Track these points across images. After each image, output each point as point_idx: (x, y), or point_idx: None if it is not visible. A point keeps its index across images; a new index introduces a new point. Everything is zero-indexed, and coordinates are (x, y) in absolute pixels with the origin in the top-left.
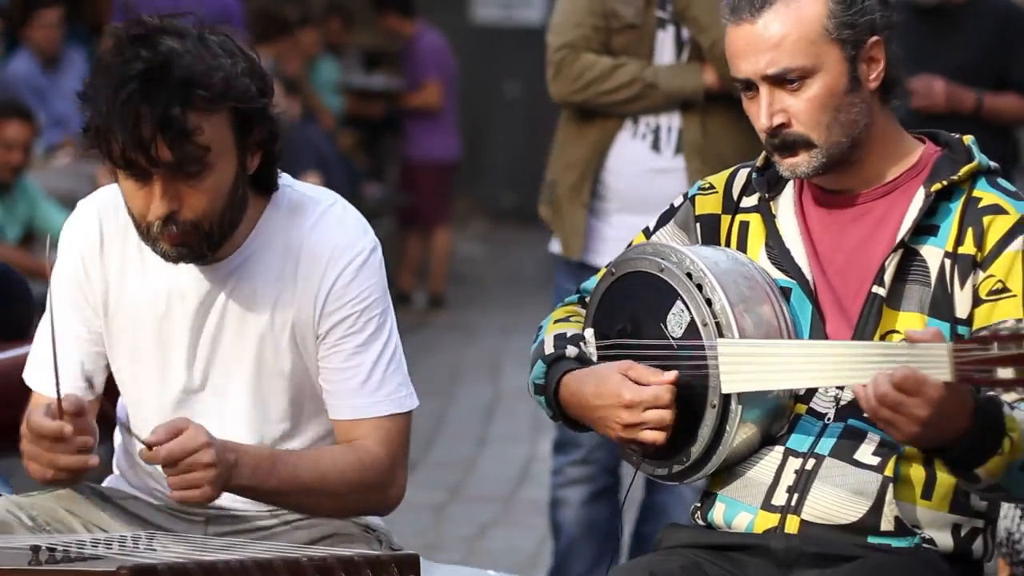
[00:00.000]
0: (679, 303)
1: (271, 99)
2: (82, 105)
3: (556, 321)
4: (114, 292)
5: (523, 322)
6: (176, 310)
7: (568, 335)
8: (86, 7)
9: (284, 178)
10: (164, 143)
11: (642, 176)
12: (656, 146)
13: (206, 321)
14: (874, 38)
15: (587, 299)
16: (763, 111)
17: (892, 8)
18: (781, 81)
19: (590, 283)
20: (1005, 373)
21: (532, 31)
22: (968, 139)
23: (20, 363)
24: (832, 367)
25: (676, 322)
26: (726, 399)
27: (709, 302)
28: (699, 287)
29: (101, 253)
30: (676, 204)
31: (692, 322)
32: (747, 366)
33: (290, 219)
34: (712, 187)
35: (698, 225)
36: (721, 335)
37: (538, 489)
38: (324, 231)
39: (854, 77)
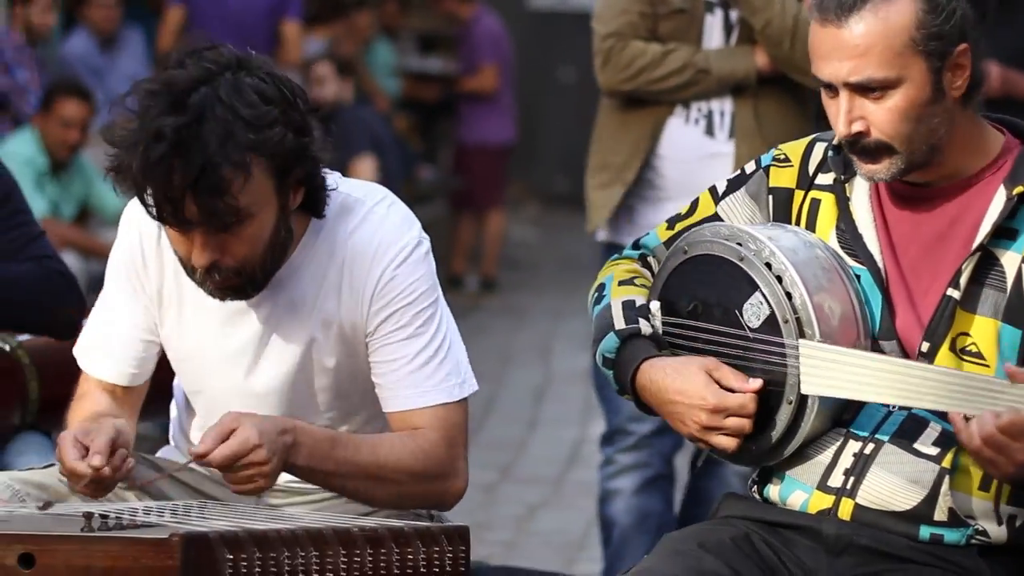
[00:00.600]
0: (758, 294)
1: (310, 136)
2: (111, 146)
3: (620, 283)
4: (170, 284)
5: (574, 306)
6: (227, 308)
7: (636, 304)
8: None
9: (331, 178)
10: (194, 202)
11: (697, 162)
12: (710, 131)
13: (256, 319)
14: (962, 45)
15: (648, 258)
16: (842, 117)
17: (982, 12)
18: (863, 89)
19: (649, 239)
20: None
21: (586, 17)
22: None
23: (72, 343)
24: (922, 389)
25: (753, 313)
26: (803, 396)
27: (789, 296)
28: (779, 279)
29: (159, 243)
30: (748, 171)
31: (772, 316)
32: (828, 370)
33: (335, 223)
34: (787, 159)
35: (771, 198)
36: (801, 331)
37: (587, 471)
38: (367, 231)
39: (938, 88)
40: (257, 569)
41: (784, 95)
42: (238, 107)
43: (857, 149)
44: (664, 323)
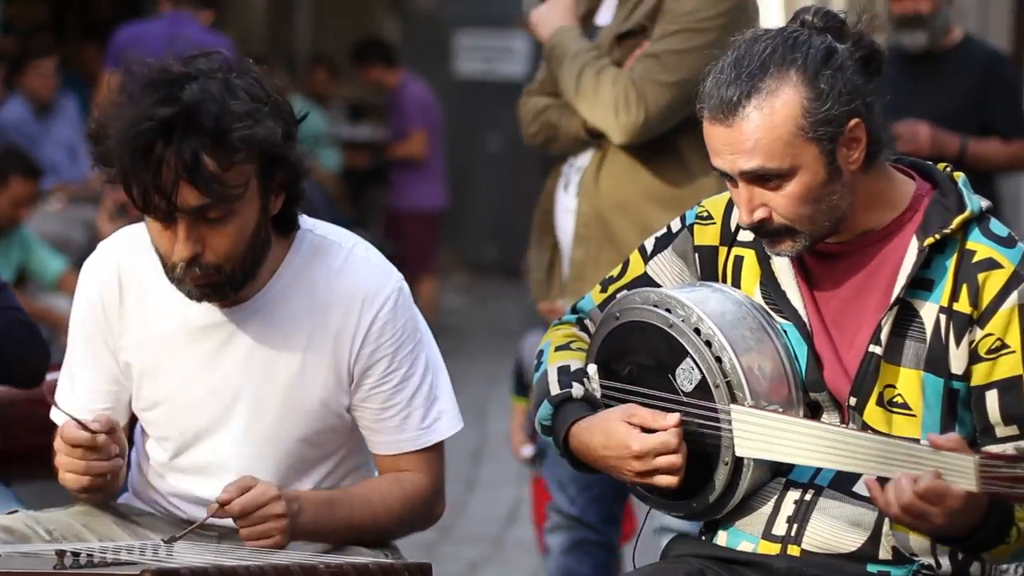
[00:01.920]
0: (689, 360)
1: (295, 142)
2: (94, 143)
3: (557, 348)
4: (134, 334)
5: (507, 370)
6: (199, 351)
7: (571, 368)
8: (78, 55)
9: (304, 220)
10: (186, 190)
11: (559, 216)
12: (567, 187)
13: (230, 361)
14: (853, 121)
15: (585, 320)
16: (743, 207)
17: (875, 71)
18: (759, 178)
19: (584, 303)
20: None
21: (514, 85)
22: (959, 178)
23: (39, 395)
24: (851, 455)
25: (686, 377)
26: (738, 458)
27: (719, 360)
28: (708, 344)
29: (120, 296)
30: (674, 229)
31: (703, 381)
32: (761, 434)
33: (313, 261)
34: (710, 216)
35: (697, 255)
36: (732, 394)
37: (526, 529)
38: (352, 275)
39: (833, 167)
40: None
41: (635, 150)
42: (228, 102)
43: (761, 233)
44: (602, 386)
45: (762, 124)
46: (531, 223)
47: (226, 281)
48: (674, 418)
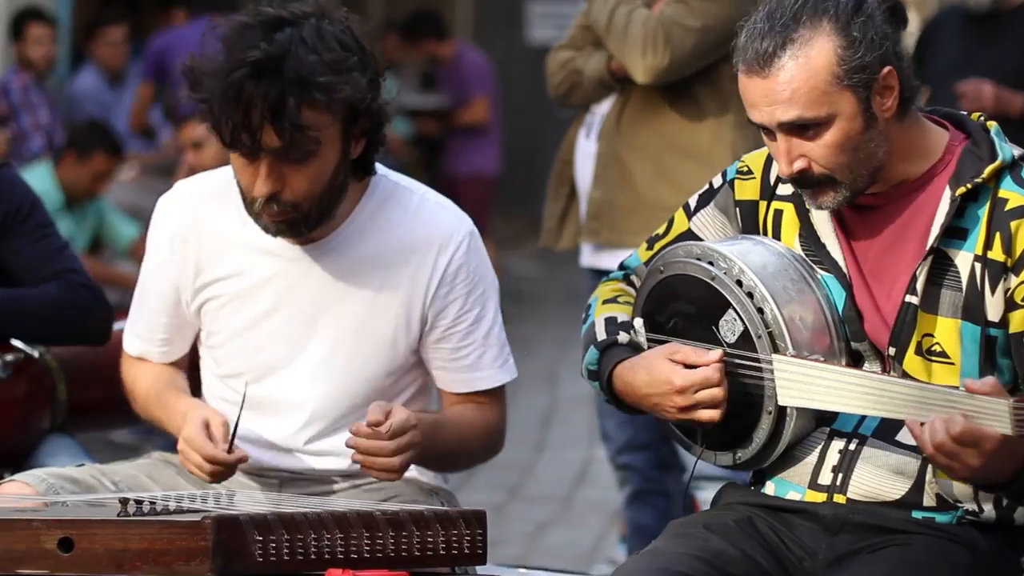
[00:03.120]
0: (731, 311)
1: (380, 89)
2: (188, 82)
3: (604, 301)
4: (209, 270)
5: (578, 336)
6: (273, 286)
7: (618, 320)
8: (150, 23)
9: (378, 166)
10: (272, 130)
11: (579, 163)
12: (588, 133)
13: (304, 297)
14: (886, 69)
15: (632, 276)
16: (783, 158)
17: (900, 21)
18: (797, 128)
19: (631, 260)
20: None
21: None
22: (992, 126)
23: (103, 348)
24: (890, 401)
25: (728, 329)
26: (781, 407)
27: (760, 311)
28: (750, 295)
29: (196, 233)
30: (716, 184)
31: (745, 331)
32: (802, 383)
33: (387, 204)
34: (750, 171)
35: (738, 210)
36: (774, 344)
37: (595, 490)
38: (426, 218)
39: (870, 115)
40: (285, 550)
41: (656, 96)
42: (319, 48)
43: (802, 184)
44: (648, 338)
45: (798, 73)
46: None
47: (301, 219)
48: (716, 353)
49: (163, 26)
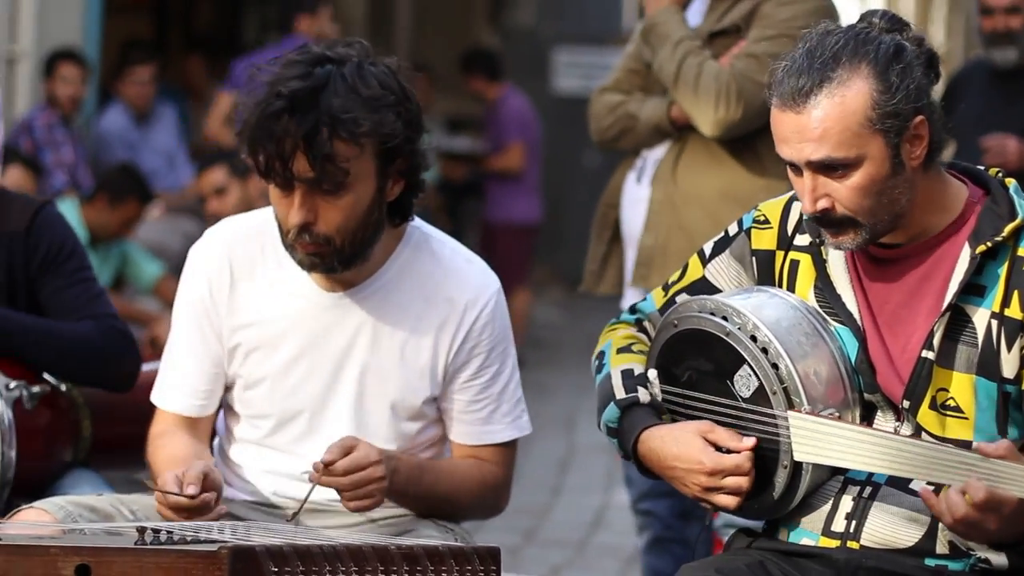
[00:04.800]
0: (746, 367)
1: (419, 133)
2: (240, 109)
3: (619, 351)
4: (243, 315)
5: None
6: (307, 330)
7: (635, 372)
8: (180, 68)
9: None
10: (304, 159)
11: (628, 208)
12: (640, 178)
13: (336, 342)
14: (919, 118)
15: (644, 322)
16: (807, 196)
17: (936, 74)
18: (825, 168)
19: (646, 304)
20: None
21: None
22: (1011, 184)
23: (140, 384)
24: (904, 461)
25: (743, 384)
26: (796, 461)
27: (775, 367)
28: (764, 351)
29: (230, 279)
30: (731, 232)
31: (760, 387)
32: (818, 440)
33: (420, 254)
34: (767, 220)
35: (754, 259)
36: (789, 400)
37: (611, 535)
38: (458, 274)
39: (898, 161)
40: None
41: (714, 145)
42: (358, 85)
43: (823, 223)
44: (662, 391)
45: (832, 113)
46: None
47: (334, 253)
48: (750, 441)
49: (190, 69)
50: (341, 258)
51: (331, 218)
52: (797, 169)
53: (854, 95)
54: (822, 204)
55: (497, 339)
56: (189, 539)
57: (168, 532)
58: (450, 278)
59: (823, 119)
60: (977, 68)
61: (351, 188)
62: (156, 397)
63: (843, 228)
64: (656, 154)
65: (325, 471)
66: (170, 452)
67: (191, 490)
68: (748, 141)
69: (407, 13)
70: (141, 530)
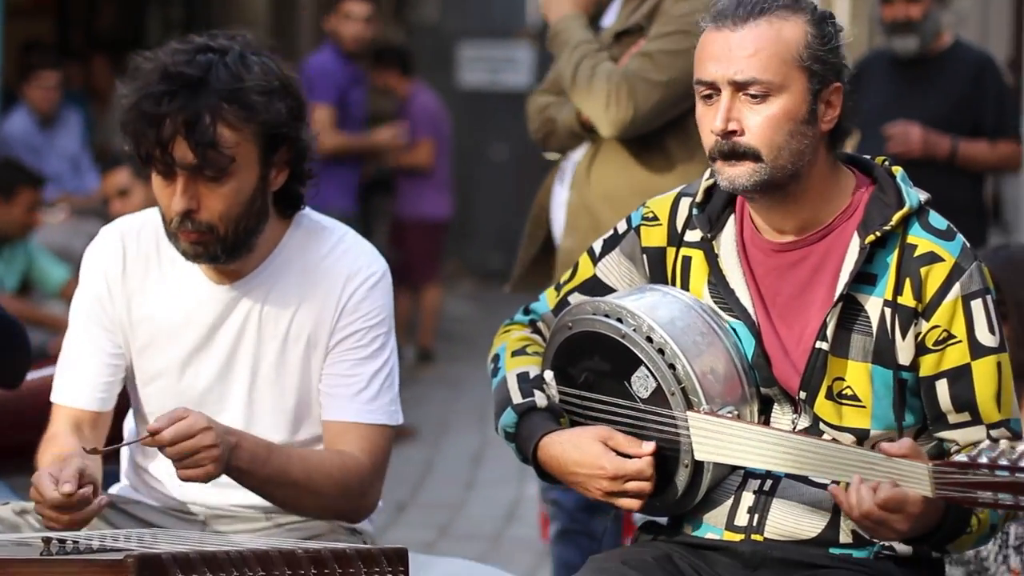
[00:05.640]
0: (643, 368)
1: (303, 122)
2: (123, 97)
3: (513, 353)
4: (137, 310)
5: None
6: (199, 324)
7: (530, 375)
8: (83, 70)
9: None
10: (184, 145)
11: (555, 210)
12: (562, 180)
13: (228, 334)
14: (836, 84)
15: (538, 323)
16: (720, 114)
17: (857, 74)
18: (745, 91)
19: (539, 305)
20: (984, 496)
21: (518, 95)
22: (898, 171)
23: (33, 389)
24: (806, 460)
25: (641, 385)
26: (697, 460)
27: (672, 367)
28: (661, 352)
29: (124, 274)
30: (620, 230)
31: (658, 388)
32: (717, 439)
33: (307, 243)
34: (656, 217)
35: (645, 257)
36: (688, 400)
37: (525, 528)
38: (340, 255)
39: (812, 110)
40: None
41: (626, 146)
42: (241, 71)
43: (726, 150)
44: (559, 392)
45: (768, 36)
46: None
47: (218, 241)
48: (650, 446)
49: (94, 71)
50: (224, 247)
51: (213, 205)
52: (710, 95)
53: (792, 28)
54: (732, 126)
55: (376, 318)
56: (95, 547)
57: (74, 542)
58: (332, 260)
59: (757, 39)
60: (878, 57)
61: (233, 175)
62: (55, 395)
63: (742, 158)
64: (576, 156)
65: (151, 440)
66: (56, 454)
67: (67, 488)
68: (658, 141)
69: (310, 10)
70: (47, 540)
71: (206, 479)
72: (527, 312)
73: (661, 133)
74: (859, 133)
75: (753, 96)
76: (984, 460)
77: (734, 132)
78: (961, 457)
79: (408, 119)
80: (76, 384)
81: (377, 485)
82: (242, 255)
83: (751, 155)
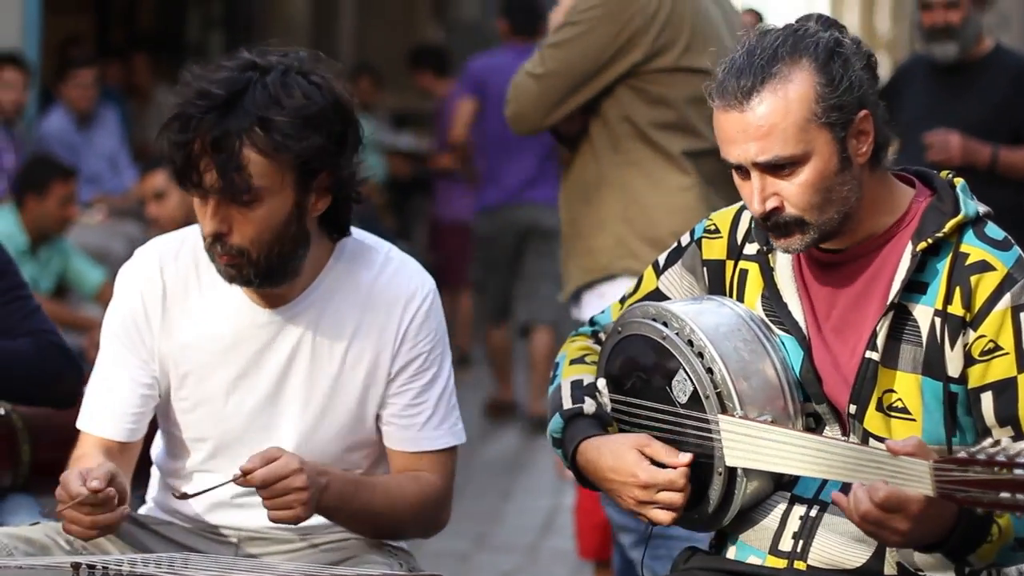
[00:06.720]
0: (682, 372)
1: (348, 148)
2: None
3: (572, 362)
4: (178, 336)
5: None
6: (244, 351)
7: (584, 383)
8: (123, 67)
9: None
10: (211, 167)
11: None
12: None
13: (274, 360)
14: (863, 112)
15: (600, 334)
16: (755, 197)
17: (875, 74)
18: (773, 167)
19: (602, 317)
20: (986, 496)
21: None
22: (958, 183)
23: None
24: (826, 463)
25: (680, 389)
26: (731, 468)
27: (710, 371)
28: (700, 356)
29: (164, 300)
30: (683, 243)
31: (695, 392)
32: (748, 444)
33: (353, 265)
34: (717, 230)
35: (705, 270)
36: (723, 405)
37: (562, 539)
38: (391, 276)
39: (844, 156)
40: None
41: (570, 151)
42: (280, 95)
43: (771, 226)
44: (611, 399)
45: (777, 107)
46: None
47: (250, 266)
48: (686, 458)
49: (135, 68)
50: (257, 271)
51: (245, 230)
52: (743, 172)
53: (797, 89)
54: (771, 204)
55: (435, 340)
56: (125, 573)
57: (104, 568)
58: (384, 282)
59: (768, 116)
60: (917, 64)
61: (264, 200)
62: (83, 422)
63: (790, 230)
64: None
65: (243, 480)
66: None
67: (95, 484)
68: (588, 129)
69: (351, 8)
70: (76, 566)
71: (295, 521)
72: (592, 323)
73: (588, 124)
74: (898, 142)
75: (782, 168)
76: (983, 457)
77: (775, 209)
78: (962, 453)
79: (444, 121)
80: (104, 414)
81: (449, 503)
82: (281, 280)
83: (796, 224)
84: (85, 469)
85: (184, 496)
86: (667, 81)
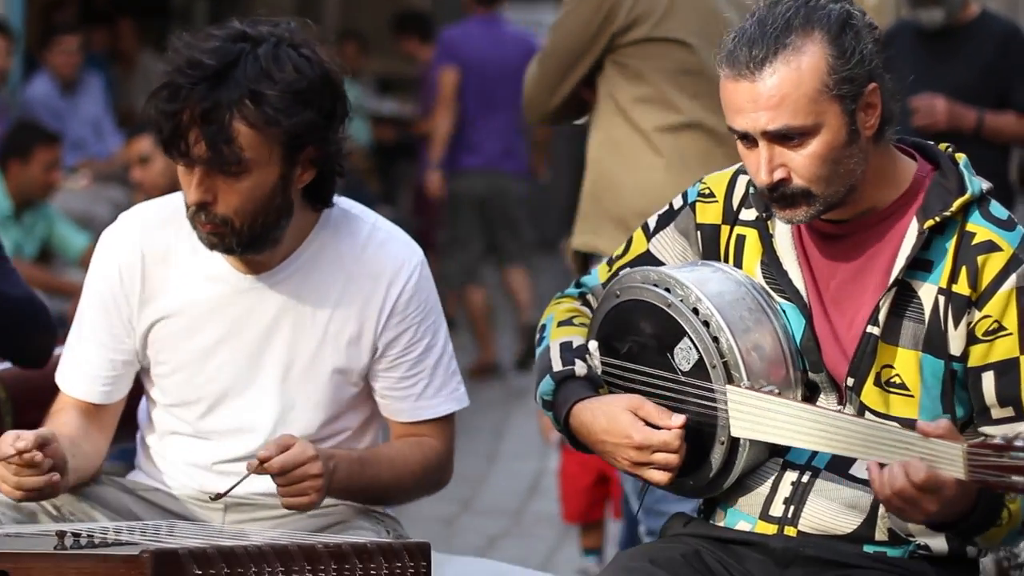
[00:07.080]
0: (687, 340)
1: (336, 122)
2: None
3: (560, 324)
4: (156, 303)
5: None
6: (225, 316)
7: (574, 345)
8: (108, 32)
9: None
10: (200, 138)
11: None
12: None
13: (256, 326)
14: (872, 85)
15: (588, 296)
16: (763, 167)
17: (884, 46)
18: (782, 137)
19: (590, 279)
20: (1019, 479)
21: None
22: (961, 159)
23: (52, 374)
24: (843, 439)
25: (683, 357)
26: (734, 438)
27: (716, 340)
28: (706, 324)
29: (143, 266)
30: (676, 206)
31: (700, 360)
32: (756, 415)
33: (339, 234)
34: (712, 194)
35: (699, 234)
36: (729, 374)
37: (548, 502)
38: (378, 248)
39: (853, 129)
40: None
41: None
42: (271, 68)
43: (777, 197)
44: (602, 363)
45: (789, 78)
46: (564, 202)
47: (233, 235)
48: (679, 419)
49: (120, 33)
50: (239, 240)
51: (230, 200)
52: (749, 141)
53: (810, 60)
54: (779, 174)
55: (425, 311)
56: (110, 541)
57: (88, 535)
58: (371, 253)
59: (779, 86)
60: (903, 29)
61: (251, 171)
62: (59, 378)
63: (796, 201)
64: None
65: (260, 468)
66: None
67: (20, 444)
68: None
69: None
70: (61, 534)
71: (308, 508)
72: (578, 285)
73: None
74: None
75: (791, 139)
76: (1020, 443)
77: (782, 180)
78: (997, 439)
79: (428, 87)
80: (77, 375)
81: (451, 463)
82: (263, 248)
83: (802, 195)
84: (23, 431)
85: (218, 496)
86: (642, 53)
